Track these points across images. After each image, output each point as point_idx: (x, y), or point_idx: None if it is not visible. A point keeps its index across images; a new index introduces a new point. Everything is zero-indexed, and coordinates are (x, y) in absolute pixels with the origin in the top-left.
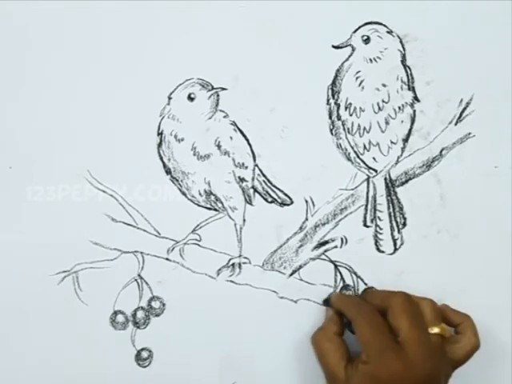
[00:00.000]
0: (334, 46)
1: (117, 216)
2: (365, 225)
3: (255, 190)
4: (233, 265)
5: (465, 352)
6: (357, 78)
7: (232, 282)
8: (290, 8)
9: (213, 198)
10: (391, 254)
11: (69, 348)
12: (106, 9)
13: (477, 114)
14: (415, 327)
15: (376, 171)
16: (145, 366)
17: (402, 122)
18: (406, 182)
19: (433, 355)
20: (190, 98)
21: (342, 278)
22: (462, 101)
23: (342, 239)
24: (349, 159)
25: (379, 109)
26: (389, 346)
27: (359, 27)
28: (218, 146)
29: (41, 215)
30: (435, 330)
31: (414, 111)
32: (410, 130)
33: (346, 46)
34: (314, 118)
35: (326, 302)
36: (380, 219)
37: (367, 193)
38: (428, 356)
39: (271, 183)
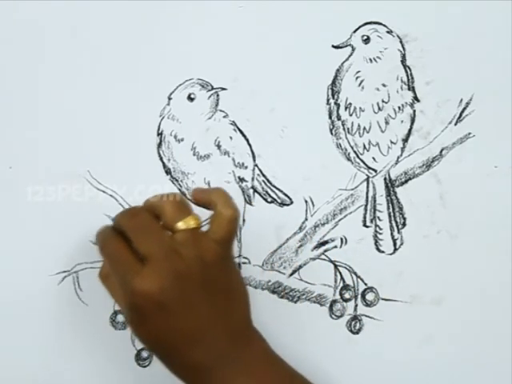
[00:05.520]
0: (333, 46)
1: None
2: (364, 225)
3: (255, 190)
4: None
5: (222, 227)
6: (357, 78)
7: None
8: (289, 8)
9: None
10: (391, 254)
11: (69, 348)
12: (105, 9)
13: (477, 113)
14: (144, 238)
15: (376, 171)
16: (145, 366)
17: (402, 122)
18: (406, 182)
19: (176, 253)
20: (190, 98)
21: (342, 278)
22: (461, 101)
23: (341, 239)
24: (348, 159)
25: (379, 109)
26: (129, 266)
27: (359, 27)
28: (218, 146)
29: (41, 215)
30: (181, 225)
31: (414, 111)
32: (409, 130)
33: (346, 46)
34: (314, 117)
35: None
36: (380, 219)
37: (367, 193)
38: (168, 257)
39: (271, 183)
